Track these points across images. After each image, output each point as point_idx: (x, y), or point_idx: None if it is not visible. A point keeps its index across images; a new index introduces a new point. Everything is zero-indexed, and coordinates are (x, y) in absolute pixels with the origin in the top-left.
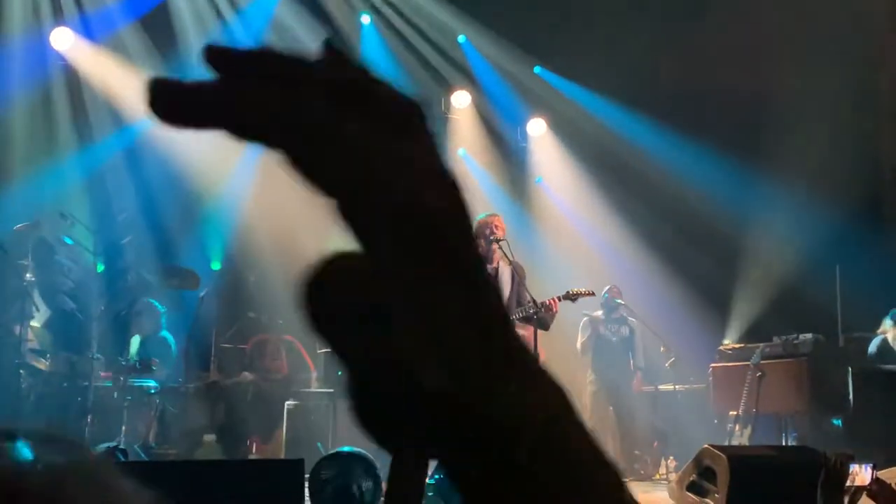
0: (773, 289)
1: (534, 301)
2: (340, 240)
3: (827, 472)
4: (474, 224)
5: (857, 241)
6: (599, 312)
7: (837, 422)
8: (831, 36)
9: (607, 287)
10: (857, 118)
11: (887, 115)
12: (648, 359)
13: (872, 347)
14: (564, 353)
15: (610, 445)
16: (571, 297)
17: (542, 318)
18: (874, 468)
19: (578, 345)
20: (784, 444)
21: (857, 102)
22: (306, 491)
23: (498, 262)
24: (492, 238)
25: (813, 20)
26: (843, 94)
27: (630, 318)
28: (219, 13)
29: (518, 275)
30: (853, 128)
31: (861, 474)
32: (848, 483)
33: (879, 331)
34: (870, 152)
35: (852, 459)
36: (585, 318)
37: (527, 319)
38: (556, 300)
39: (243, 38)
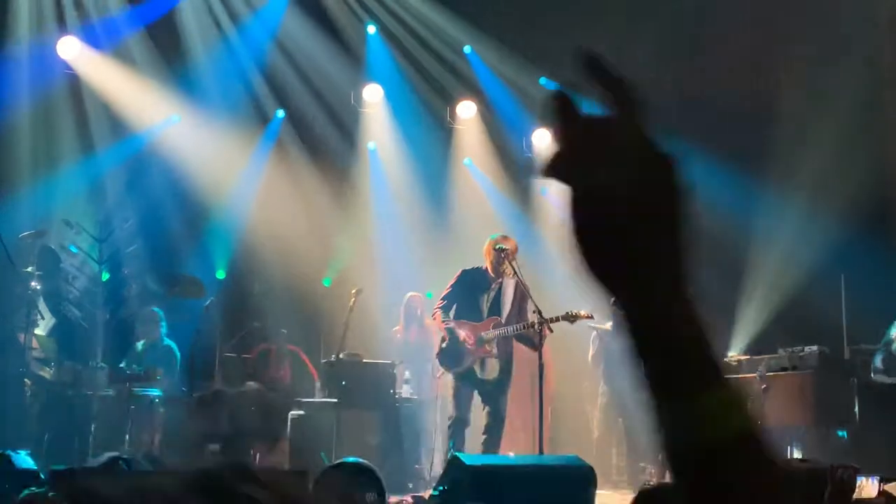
0: (778, 300)
1: (539, 313)
2: (344, 251)
3: (833, 485)
4: (486, 242)
5: (862, 252)
6: (609, 324)
7: (843, 434)
8: (837, 46)
9: (613, 298)
10: (863, 128)
11: (893, 125)
12: None
13: (877, 361)
14: (574, 364)
15: (616, 457)
16: (570, 318)
17: (528, 337)
18: (881, 481)
19: (589, 357)
20: (789, 456)
21: (862, 112)
22: None
23: (503, 278)
24: (503, 254)
25: (819, 30)
26: (849, 103)
27: None
28: (226, 22)
29: (521, 291)
30: (858, 138)
31: (868, 487)
32: (854, 496)
33: (884, 342)
34: (875, 162)
35: (858, 472)
36: (595, 331)
37: (521, 337)
38: (549, 321)
39: (252, 46)
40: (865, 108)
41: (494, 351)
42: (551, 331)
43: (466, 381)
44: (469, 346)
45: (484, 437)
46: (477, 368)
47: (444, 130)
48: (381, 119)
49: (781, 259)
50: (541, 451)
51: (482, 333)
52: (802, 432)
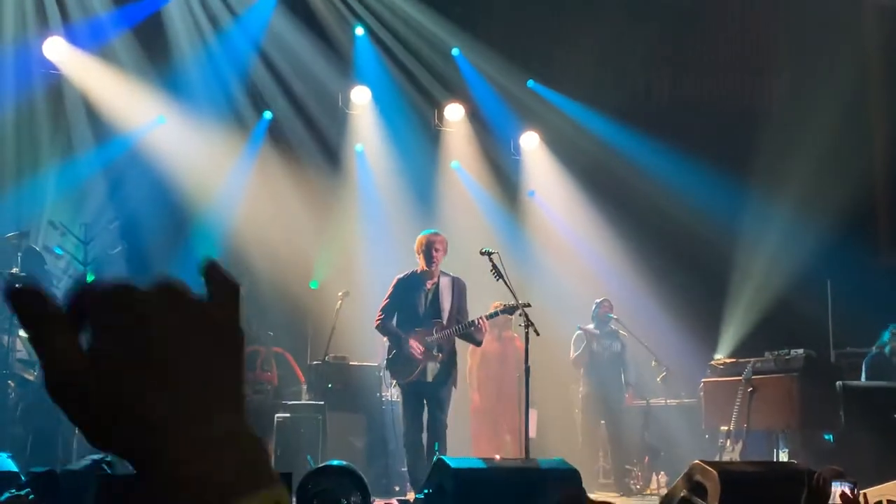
0: (764, 304)
1: (527, 317)
2: (331, 253)
3: (809, 490)
4: (417, 240)
5: (848, 256)
6: (591, 326)
7: (829, 437)
8: (824, 52)
9: (598, 300)
10: (850, 134)
11: (879, 130)
12: (639, 373)
13: (869, 364)
14: (560, 368)
15: (601, 460)
16: (508, 310)
17: (470, 334)
18: (854, 487)
19: (571, 358)
20: (775, 459)
21: (849, 118)
22: None
23: (438, 277)
24: (433, 256)
25: (807, 37)
26: (836, 109)
27: (621, 333)
28: (214, 23)
29: (458, 289)
30: (845, 143)
31: (843, 492)
32: (831, 501)
33: (877, 345)
34: (860, 168)
35: (842, 476)
36: (579, 332)
37: (464, 335)
38: (485, 319)
39: (239, 48)
40: (852, 114)
41: (441, 356)
42: (538, 334)
43: (416, 390)
44: (417, 355)
45: (427, 449)
46: (425, 374)
47: (431, 133)
48: (368, 121)
49: (768, 263)
50: (526, 455)
51: (427, 339)
52: (788, 435)
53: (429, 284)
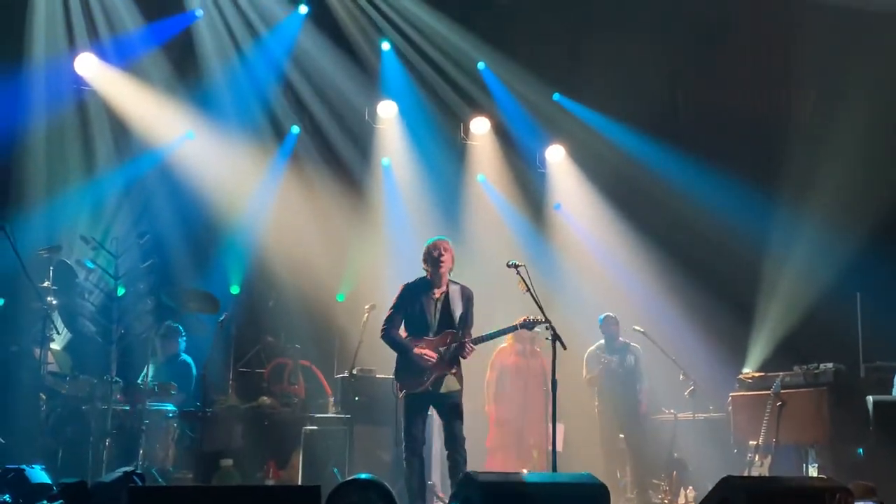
0: (793, 317)
1: (553, 330)
2: (357, 266)
3: None
4: (424, 248)
5: (877, 269)
6: (602, 342)
7: (861, 451)
8: (852, 63)
9: (602, 316)
10: (879, 146)
11: None
12: (669, 386)
13: None
14: (580, 379)
15: (628, 474)
16: (528, 325)
17: (481, 339)
18: None
19: (584, 377)
20: (805, 474)
21: (878, 129)
22: None
23: (447, 286)
24: (439, 262)
25: (836, 49)
26: (865, 121)
27: (633, 345)
28: (241, 40)
29: (466, 297)
30: (874, 156)
31: None
32: None
33: None
34: (890, 180)
35: (873, 493)
36: (591, 350)
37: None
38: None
39: (267, 63)
40: (881, 126)
41: (453, 369)
42: (564, 347)
43: (424, 401)
44: (426, 363)
45: (448, 462)
46: (436, 384)
47: (457, 146)
48: (395, 135)
49: (797, 276)
50: (554, 469)
51: (441, 349)
52: (817, 449)
53: (437, 293)
